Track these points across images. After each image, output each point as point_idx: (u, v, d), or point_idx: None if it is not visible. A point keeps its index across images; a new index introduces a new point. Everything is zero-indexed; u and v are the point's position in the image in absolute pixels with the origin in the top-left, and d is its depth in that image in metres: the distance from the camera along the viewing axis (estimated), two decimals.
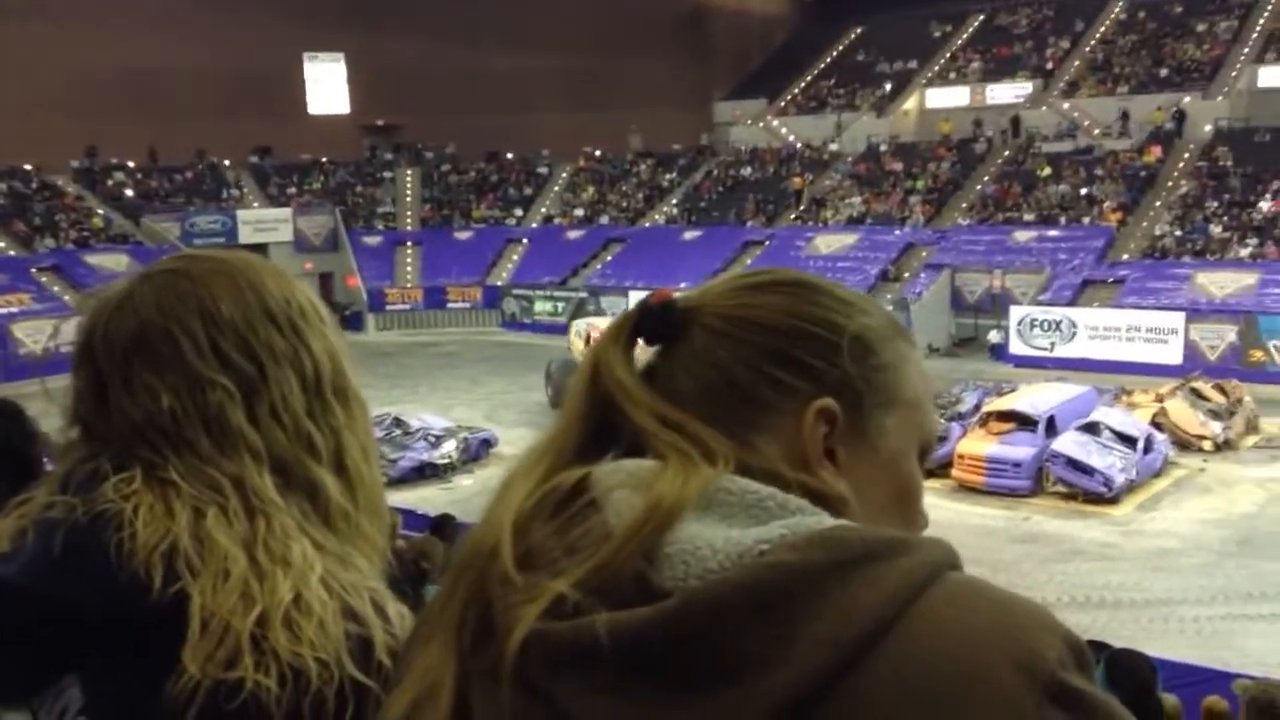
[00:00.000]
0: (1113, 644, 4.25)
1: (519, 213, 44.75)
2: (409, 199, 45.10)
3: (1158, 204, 33.60)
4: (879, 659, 0.68)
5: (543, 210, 44.96)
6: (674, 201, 43.14)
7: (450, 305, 40.69)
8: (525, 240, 42.66)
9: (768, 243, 37.37)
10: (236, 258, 1.25)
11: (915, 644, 0.68)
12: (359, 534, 1.20)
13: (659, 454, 0.81)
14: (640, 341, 0.88)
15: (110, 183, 41.00)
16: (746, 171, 43.05)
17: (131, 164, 42.04)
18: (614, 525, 0.76)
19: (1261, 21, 39.75)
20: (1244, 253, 30.25)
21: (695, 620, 0.69)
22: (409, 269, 41.91)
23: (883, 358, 0.86)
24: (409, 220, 44.31)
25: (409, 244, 42.73)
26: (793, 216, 39.40)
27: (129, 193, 41.08)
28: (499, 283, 40.81)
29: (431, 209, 44.65)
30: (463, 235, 43.33)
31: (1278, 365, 26.15)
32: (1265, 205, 31.56)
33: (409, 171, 45.84)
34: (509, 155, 46.66)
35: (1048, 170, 36.32)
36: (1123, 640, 6.82)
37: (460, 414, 24.51)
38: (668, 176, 44.87)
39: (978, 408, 21.08)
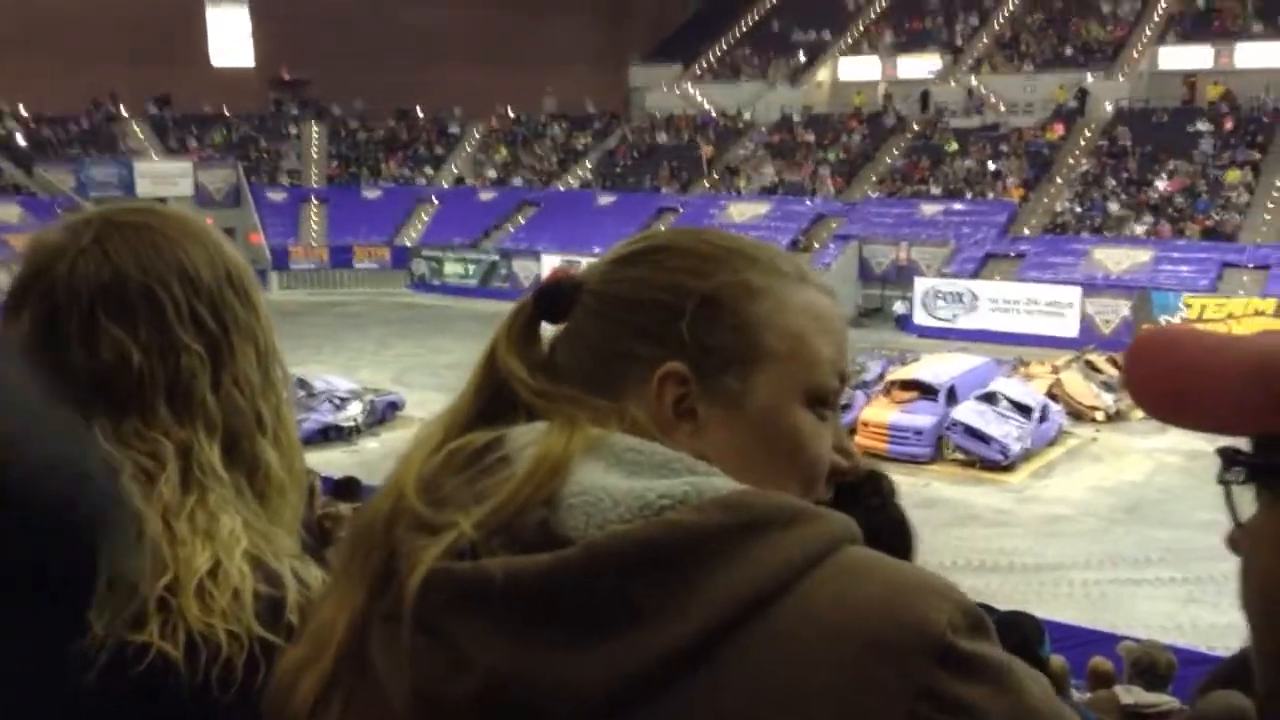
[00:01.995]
0: (1000, 608, 4.46)
1: (429, 172, 44.07)
2: (315, 155, 44.08)
3: (1059, 181, 34.47)
4: (775, 618, 0.69)
5: (454, 170, 44.33)
6: (588, 165, 42.91)
7: (357, 265, 39.97)
8: (435, 200, 42.03)
9: (682, 210, 37.43)
10: (192, 217, 1.21)
11: (810, 606, 0.70)
12: (288, 507, 1.18)
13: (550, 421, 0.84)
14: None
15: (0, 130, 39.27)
16: (662, 138, 42.99)
17: (23, 111, 40.29)
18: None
19: (1164, 4, 40.86)
20: (1140, 230, 31.21)
21: (593, 570, 0.71)
22: (314, 227, 41.02)
23: (743, 314, 0.86)
24: (315, 177, 43.32)
25: (315, 201, 41.79)
26: (706, 184, 39.52)
27: (20, 141, 39.38)
28: (408, 243, 40.20)
29: (339, 166, 43.71)
30: (371, 194, 42.54)
31: None
32: (1161, 184, 32.59)
33: (315, 127, 44.75)
34: (419, 113, 45.86)
35: (955, 145, 36.99)
36: (1015, 603, 7.06)
37: (366, 376, 24.16)
38: (582, 140, 44.59)
39: (882, 377, 21.49)
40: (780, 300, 0.87)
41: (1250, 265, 28.35)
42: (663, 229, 1.01)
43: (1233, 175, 31.94)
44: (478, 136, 45.66)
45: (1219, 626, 11.70)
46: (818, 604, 0.70)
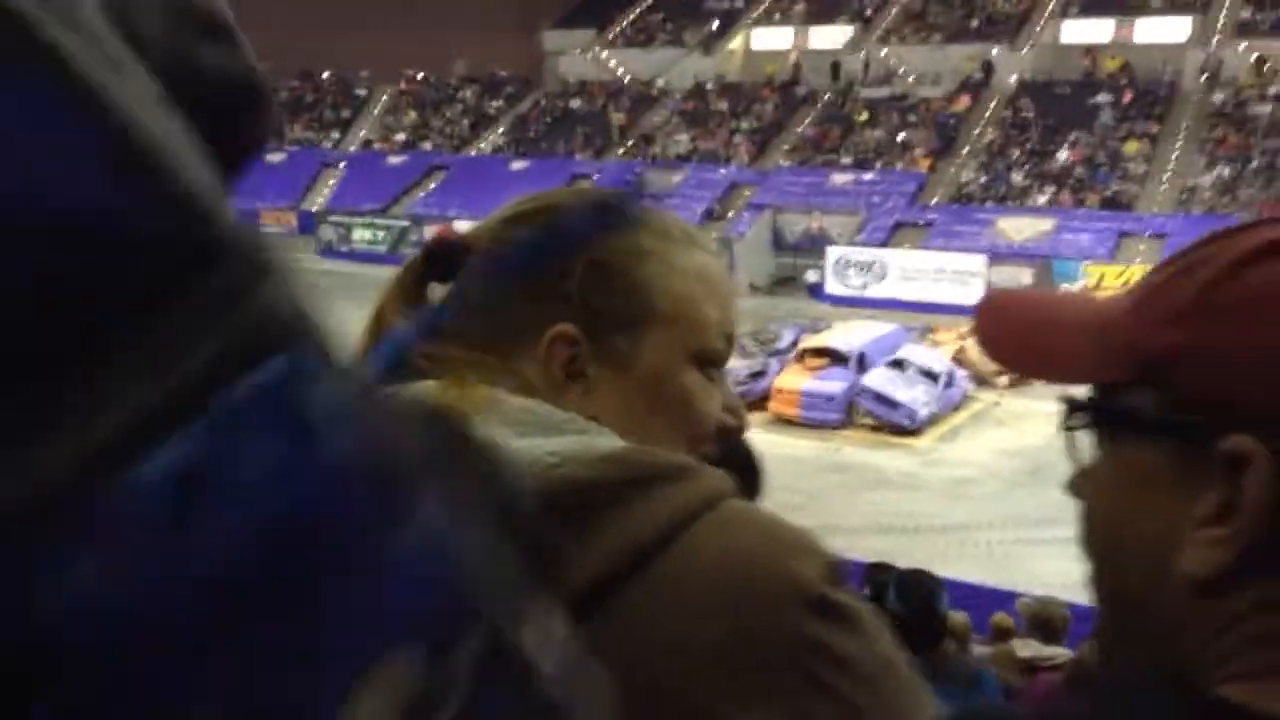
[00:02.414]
0: (900, 566, 4.70)
1: (335, 135, 43.13)
2: None
3: (965, 151, 35.10)
4: (660, 570, 0.73)
5: (361, 134, 43.45)
6: (501, 131, 42.43)
7: (263, 230, 39.01)
8: (342, 165, 41.16)
9: (596, 176, 37.25)
10: None
11: (693, 558, 0.73)
12: None
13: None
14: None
15: None
16: (575, 104, 42.67)
17: None
18: None
19: None
20: (1042, 200, 31.97)
21: None
22: None
23: (631, 277, 0.88)
24: None
25: None
26: (620, 152, 39.38)
27: None
28: (314, 208, 39.35)
29: None
30: (275, 157, 41.45)
31: None
32: (1062, 155, 33.39)
33: None
34: (325, 74, 44.78)
35: (865, 115, 37.40)
36: (922, 564, 7.24)
37: None
38: (494, 104, 44.04)
39: (795, 345, 21.75)
40: (669, 263, 0.89)
41: (1147, 234, 29.23)
42: (554, 189, 1.03)
43: (1131, 146, 32.87)
44: (385, 99, 44.79)
45: None
46: (701, 556, 0.73)
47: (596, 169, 37.97)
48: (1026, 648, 5.42)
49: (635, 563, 0.73)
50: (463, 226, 1.05)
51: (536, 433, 0.78)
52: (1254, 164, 30.35)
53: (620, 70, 44.45)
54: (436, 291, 0.91)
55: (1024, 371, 0.78)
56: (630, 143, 39.59)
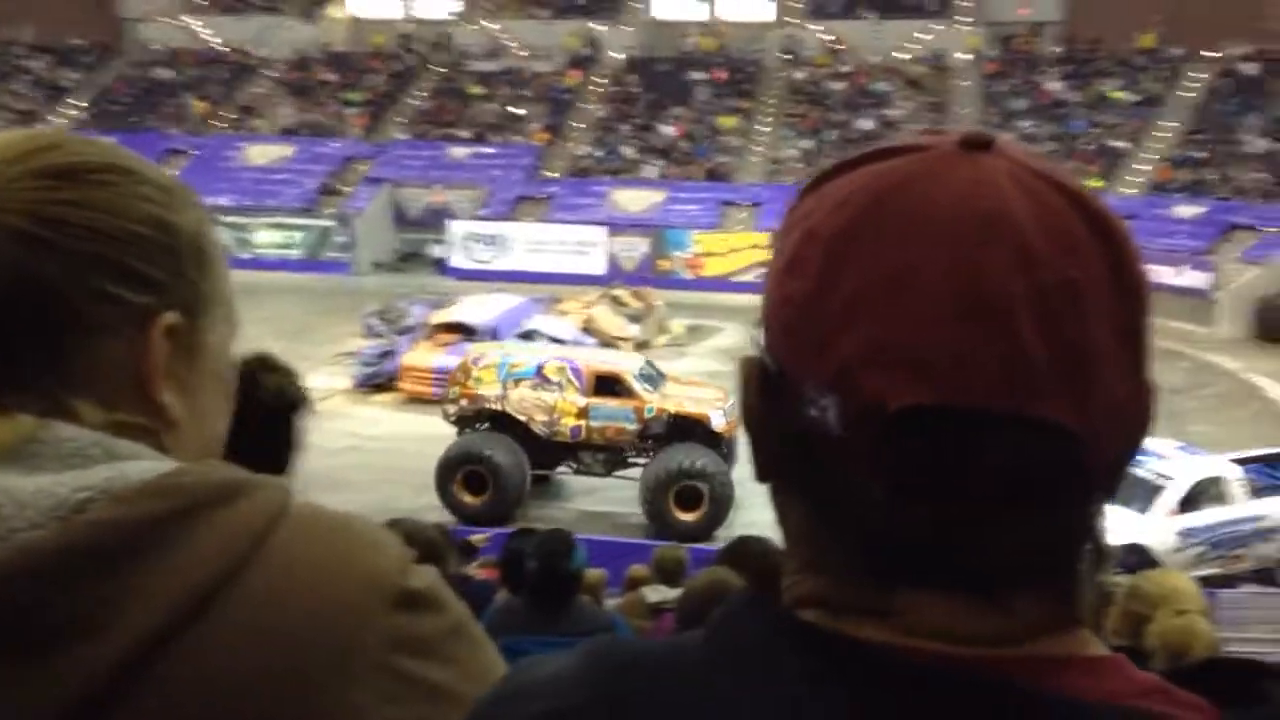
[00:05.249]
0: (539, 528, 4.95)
1: None
2: None
3: (578, 125, 36.03)
4: (229, 605, 0.68)
5: None
6: (82, 104, 38.33)
7: None
8: None
9: (195, 152, 34.62)
10: None
11: (268, 584, 0.69)
12: None
13: None
14: None
15: None
16: (165, 74, 39.37)
17: None
18: None
19: None
20: (652, 172, 33.49)
21: (7, 589, 0.64)
22: None
23: (211, 255, 0.81)
24: None
25: None
26: (219, 125, 36.85)
27: None
28: None
29: None
30: None
31: (680, 273, 29.49)
32: (667, 130, 35.12)
33: None
34: None
35: (479, 89, 37.39)
36: (573, 528, 7.42)
37: None
38: (70, 75, 39.70)
39: (423, 321, 21.41)
40: (218, 243, 0.83)
41: (746, 203, 31.46)
42: (69, 137, 0.78)
43: (727, 121, 35.14)
44: None
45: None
46: (278, 580, 0.69)
47: (195, 144, 35.29)
48: (655, 593, 5.71)
49: (201, 601, 0.66)
50: None
51: (52, 466, 0.68)
52: (830, 137, 33.44)
53: (213, 37, 41.47)
54: None
55: None
56: (232, 115, 37.15)
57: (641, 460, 14.95)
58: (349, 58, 39.87)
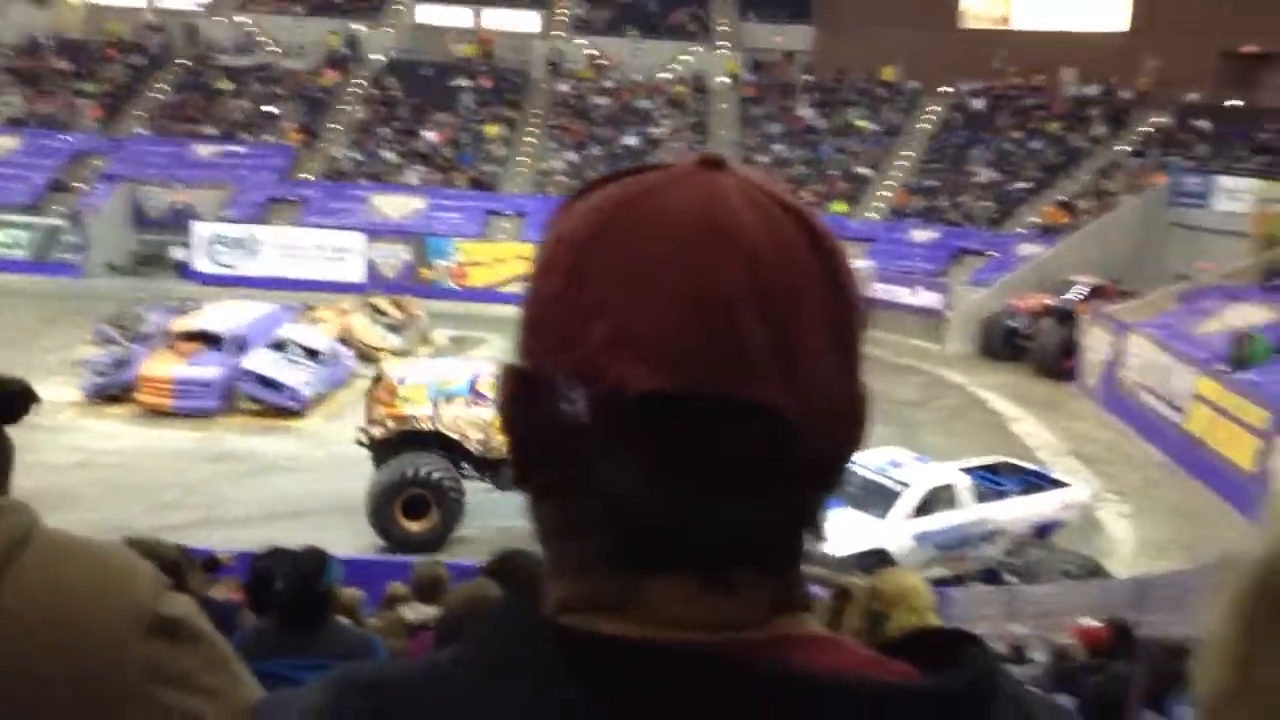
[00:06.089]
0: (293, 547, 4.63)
1: None
2: None
3: (336, 127, 34.89)
4: None
5: None
6: None
7: None
8: None
9: None
10: None
11: (13, 616, 0.68)
12: None
13: None
14: None
15: None
16: None
17: None
18: None
19: None
20: (414, 179, 32.82)
21: None
22: None
23: None
24: None
25: None
26: None
27: None
28: None
29: None
30: None
31: (444, 283, 29.02)
32: (430, 135, 34.53)
33: None
34: None
35: (228, 84, 35.61)
36: (316, 543, 7.01)
37: None
38: None
39: (163, 329, 20.11)
40: None
41: (511, 213, 31.33)
42: None
43: (492, 130, 34.91)
44: None
45: None
46: (24, 611, 0.68)
47: None
48: (413, 611, 5.53)
49: None
50: None
51: None
52: (596, 151, 33.79)
53: None
54: None
55: None
56: None
57: None
58: (85, 45, 37.10)
